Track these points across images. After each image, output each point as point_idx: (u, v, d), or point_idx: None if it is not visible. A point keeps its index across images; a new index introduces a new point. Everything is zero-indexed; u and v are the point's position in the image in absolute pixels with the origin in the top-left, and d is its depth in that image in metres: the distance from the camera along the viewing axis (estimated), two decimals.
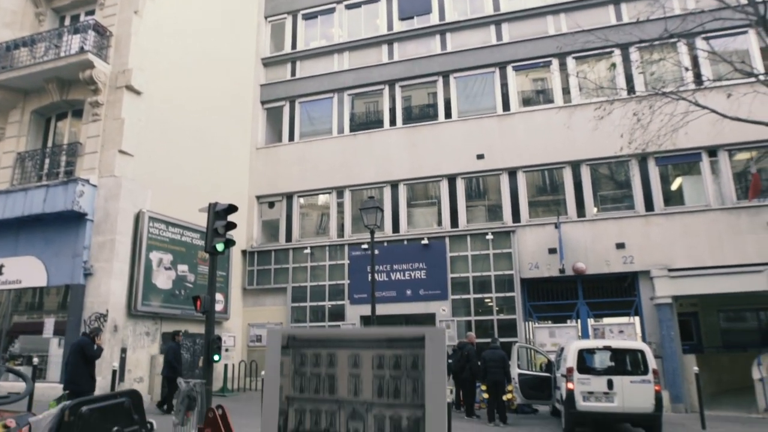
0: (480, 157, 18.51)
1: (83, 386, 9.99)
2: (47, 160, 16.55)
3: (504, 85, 19.15)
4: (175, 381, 12.55)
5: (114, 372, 13.02)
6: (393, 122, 20.25)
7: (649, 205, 16.64)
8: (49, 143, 17.26)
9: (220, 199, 11.37)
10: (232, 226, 10.84)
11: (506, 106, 18.96)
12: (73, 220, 14.81)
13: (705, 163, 16.50)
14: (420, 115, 20.40)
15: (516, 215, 17.87)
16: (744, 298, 17.37)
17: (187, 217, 16.30)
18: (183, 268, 16.71)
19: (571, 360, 11.31)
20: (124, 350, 14.56)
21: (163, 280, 15.88)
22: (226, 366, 17.52)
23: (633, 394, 10.80)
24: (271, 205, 21.27)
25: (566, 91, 18.40)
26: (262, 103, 22.25)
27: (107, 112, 15.69)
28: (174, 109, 17.17)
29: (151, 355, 15.58)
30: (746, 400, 15.16)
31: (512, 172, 18.25)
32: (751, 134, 14.70)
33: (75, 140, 16.30)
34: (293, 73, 22.27)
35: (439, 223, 18.82)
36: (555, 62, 18.62)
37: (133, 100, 15.85)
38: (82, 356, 10.31)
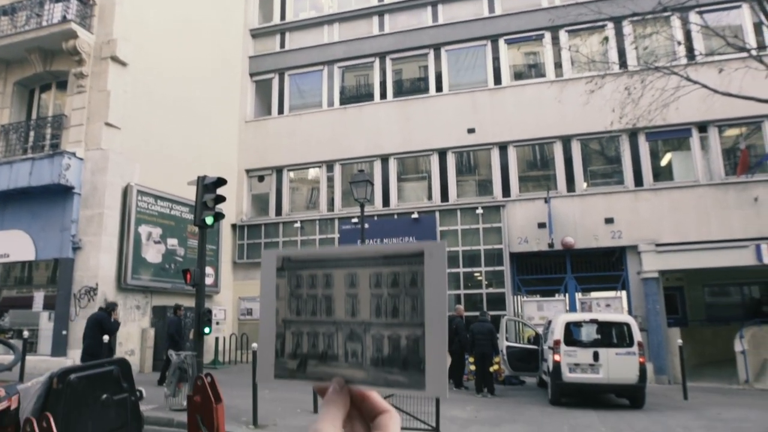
0: (471, 131, 18.45)
1: (101, 358, 10.24)
2: (32, 133, 16.30)
3: (496, 59, 18.99)
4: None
5: (103, 345, 13.02)
6: (384, 95, 20.08)
7: (638, 181, 16.73)
8: (34, 115, 16.97)
9: (209, 172, 11.27)
10: (221, 199, 10.78)
11: (498, 79, 18.83)
12: (60, 193, 14.66)
13: (695, 138, 16.56)
14: (411, 88, 20.22)
15: (506, 190, 17.90)
16: (729, 273, 17.63)
17: (176, 190, 16.18)
18: (173, 242, 16.66)
19: (558, 333, 11.51)
20: None
21: (152, 254, 15.84)
22: (217, 339, 17.62)
23: (618, 366, 11.04)
24: (261, 178, 21.15)
25: (558, 65, 18.29)
26: (251, 75, 21.94)
27: (92, 84, 15.42)
28: (161, 81, 16.89)
29: (142, 329, 15.63)
30: (728, 371, 15.52)
31: (503, 147, 18.22)
32: (741, 110, 14.72)
33: (60, 112, 16.04)
34: (282, 44, 21.93)
35: (430, 197, 18.82)
36: (547, 35, 18.46)
37: (118, 72, 15.57)
38: (100, 330, 11.06)
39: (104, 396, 3.64)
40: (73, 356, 13.41)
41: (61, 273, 14.49)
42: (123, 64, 15.64)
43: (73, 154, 14.71)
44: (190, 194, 12.67)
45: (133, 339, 15.26)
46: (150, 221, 15.81)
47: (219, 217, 10.90)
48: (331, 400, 0.65)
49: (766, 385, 14.21)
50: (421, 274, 0.67)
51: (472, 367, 13.49)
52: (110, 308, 11.53)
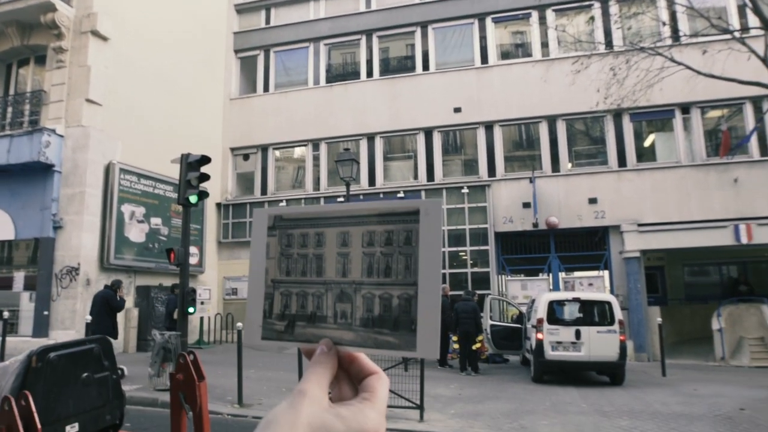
0: (457, 110, 18.41)
1: (112, 336, 10.77)
2: (10, 109, 15.95)
3: (483, 38, 18.88)
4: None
5: (87, 325, 12.97)
6: (370, 74, 19.91)
7: (621, 161, 16.86)
8: (11, 91, 16.60)
9: (193, 150, 11.14)
10: (205, 177, 10.68)
11: (484, 58, 18.75)
12: (39, 171, 14.43)
13: (678, 119, 16.69)
14: (397, 67, 20.07)
15: (491, 169, 17.95)
16: (708, 253, 17.94)
17: (159, 168, 16.00)
18: (156, 221, 16.53)
19: (541, 311, 11.68)
20: None
21: (135, 233, 15.71)
22: (201, 319, 17.62)
23: (599, 344, 11.26)
24: (246, 157, 20.98)
25: (545, 44, 18.25)
26: (236, 51, 21.61)
27: (72, 59, 15.09)
28: (143, 57, 16.58)
29: (126, 309, 15.52)
30: (705, 349, 15.88)
31: (489, 126, 18.23)
32: (723, 92, 14.84)
33: (39, 88, 15.71)
34: (267, 20, 21.59)
35: (416, 176, 18.82)
36: (535, 15, 18.36)
37: (99, 47, 15.24)
38: (108, 308, 11.31)
39: (85, 374, 3.62)
40: (56, 337, 13.33)
41: (42, 253, 14.33)
42: (104, 38, 15.30)
43: (53, 131, 14.45)
44: (173, 172, 12.55)
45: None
46: (133, 200, 15.65)
47: (203, 195, 10.80)
48: (318, 361, 0.64)
49: (741, 362, 14.58)
50: (416, 232, 0.65)
51: (456, 346, 13.65)
52: (116, 286, 11.70)
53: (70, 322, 13.82)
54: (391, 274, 0.66)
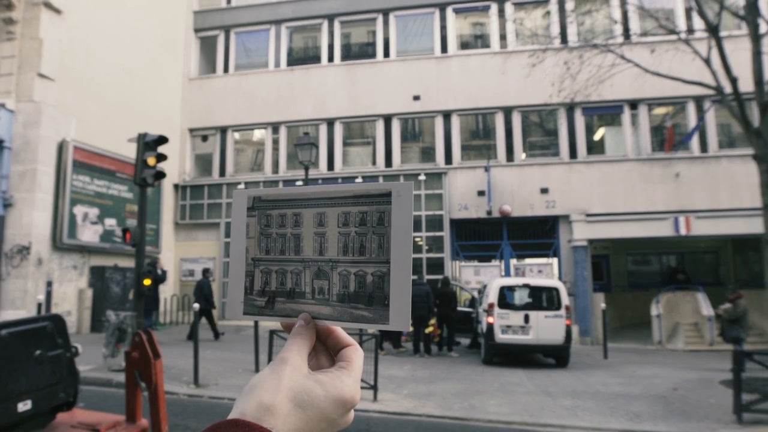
0: (416, 98, 18.66)
1: (150, 308, 12.71)
2: None
3: (443, 27, 19.14)
4: (210, 313, 14.33)
5: (39, 305, 12.74)
6: (331, 59, 19.91)
7: (573, 153, 17.51)
8: None
9: (150, 130, 10.98)
10: (162, 157, 10.52)
11: (444, 48, 19.03)
12: None
13: (626, 115, 17.42)
14: (359, 53, 20.13)
15: (448, 157, 18.32)
16: (650, 243, 18.89)
17: (115, 147, 15.69)
18: (111, 222, 16.16)
19: (492, 296, 12.14)
20: (50, 284, 14.21)
21: (89, 234, 15.35)
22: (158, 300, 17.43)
23: (546, 328, 11.81)
24: (205, 138, 20.72)
25: (503, 37, 18.65)
26: (196, 31, 21.20)
27: (23, 31, 14.56)
28: (99, 33, 16.13)
29: (79, 289, 15.30)
30: (644, 333, 16.81)
31: (447, 115, 18.56)
32: (669, 90, 15.56)
33: None
34: (228, 0, 21.24)
35: (374, 162, 19.03)
36: (494, 7, 18.72)
37: (52, 19, 14.75)
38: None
39: (38, 352, 3.60)
40: (6, 317, 13.04)
41: None
42: (57, 11, 14.81)
43: (2, 105, 13.96)
44: (130, 152, 12.36)
45: (69, 299, 14.93)
46: (86, 201, 15.24)
47: (160, 176, 10.66)
48: (297, 333, 0.67)
49: (676, 345, 15.54)
50: (389, 213, 0.69)
51: (410, 329, 14.02)
52: (153, 261, 12.43)
53: (21, 302, 13.52)
54: (365, 253, 0.70)
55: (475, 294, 14.89)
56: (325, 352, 0.69)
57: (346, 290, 0.70)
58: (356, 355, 0.67)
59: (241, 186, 19.38)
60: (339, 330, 0.70)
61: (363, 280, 0.69)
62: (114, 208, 16.38)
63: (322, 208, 0.73)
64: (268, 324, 10.90)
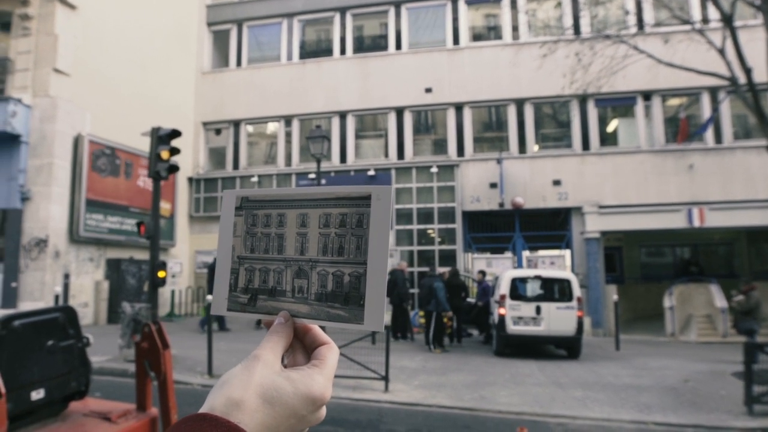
0: (428, 90, 18.64)
1: None
2: None
3: (455, 19, 19.06)
4: None
5: (56, 297, 13.01)
6: (343, 51, 19.93)
7: (585, 145, 17.40)
8: None
9: (164, 124, 11.12)
10: (176, 151, 10.68)
11: (456, 40, 18.96)
12: (6, 141, 14.20)
13: (639, 106, 17.26)
14: (371, 45, 20.13)
15: (460, 150, 18.31)
16: (663, 235, 18.76)
17: (130, 141, 15.91)
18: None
19: (504, 288, 12.16)
20: (67, 276, 14.48)
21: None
22: (173, 292, 17.71)
23: (558, 319, 11.82)
24: (218, 131, 20.89)
25: (515, 28, 18.53)
26: (209, 25, 21.32)
27: (39, 27, 14.77)
28: (114, 28, 16.31)
29: (96, 281, 15.56)
30: (657, 325, 16.74)
31: (459, 107, 18.53)
32: (683, 81, 15.40)
33: (4, 56, 15.33)
34: None
35: (386, 154, 19.06)
36: None
37: (67, 15, 14.94)
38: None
39: (50, 342, 3.65)
40: (24, 307, 13.33)
41: (9, 224, 14.19)
42: (72, 6, 15.00)
43: (19, 100, 14.20)
44: (144, 145, 12.54)
45: (86, 291, 15.21)
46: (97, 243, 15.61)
47: (174, 169, 10.80)
48: (275, 330, 0.69)
49: (689, 337, 15.45)
50: (368, 215, 0.70)
51: (422, 321, 14.11)
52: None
53: (39, 294, 13.80)
54: (343, 254, 0.71)
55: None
56: (302, 349, 0.71)
57: (324, 289, 0.71)
58: (330, 354, 0.68)
59: (255, 179, 19.57)
60: (316, 328, 0.71)
61: (340, 280, 0.70)
62: (124, 243, 16.52)
63: (305, 209, 0.75)
64: None
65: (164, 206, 16.51)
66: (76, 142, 14.95)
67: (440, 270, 14.18)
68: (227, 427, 0.55)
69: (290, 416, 0.61)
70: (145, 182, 16.61)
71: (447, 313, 13.61)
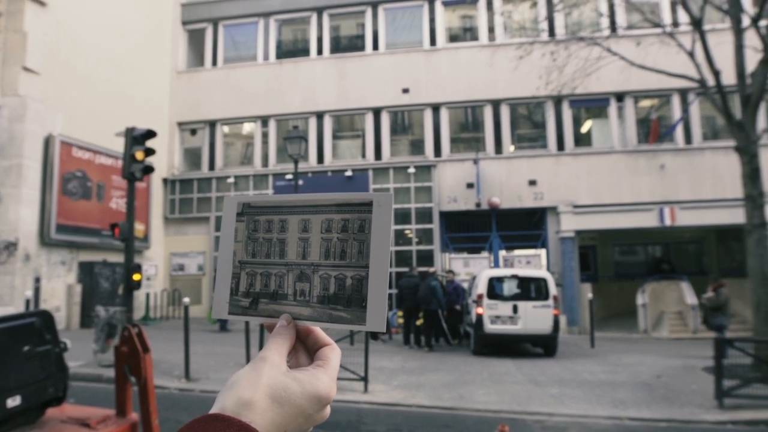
0: (405, 91, 18.70)
1: None
2: None
3: (432, 20, 19.16)
4: None
5: (27, 302, 12.70)
6: (320, 52, 19.88)
7: (560, 145, 17.66)
8: None
9: (138, 124, 10.94)
10: (151, 152, 10.52)
11: (433, 41, 19.06)
12: None
13: (613, 107, 17.59)
14: (348, 45, 20.11)
15: (438, 150, 18.41)
16: (636, 234, 19.13)
17: (103, 142, 15.62)
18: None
19: (481, 287, 12.26)
20: (38, 280, 14.16)
21: None
22: (147, 295, 17.45)
23: (534, 318, 11.97)
24: (194, 132, 20.64)
25: (491, 29, 18.70)
26: (183, 23, 21.05)
27: (8, 24, 14.42)
28: (86, 26, 16.00)
29: (68, 285, 15.25)
30: (630, 322, 17.06)
31: (436, 108, 18.63)
32: (654, 83, 15.72)
33: None
34: None
35: (363, 155, 19.07)
36: None
37: (37, 12, 14.61)
38: None
39: (26, 348, 3.57)
40: None
41: None
42: (42, 3, 14.68)
43: None
44: (118, 146, 12.31)
45: (58, 295, 14.89)
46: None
47: (148, 170, 10.64)
48: (278, 332, 0.70)
49: (661, 333, 15.80)
50: (369, 221, 0.72)
51: (400, 321, 14.14)
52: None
53: (9, 298, 13.47)
54: (345, 258, 0.73)
55: (465, 285, 15.00)
56: (305, 351, 0.72)
57: (326, 292, 0.73)
58: (333, 354, 0.70)
59: (231, 180, 19.39)
60: (318, 330, 0.73)
61: (342, 283, 0.72)
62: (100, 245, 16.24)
63: (307, 215, 0.76)
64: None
65: (138, 227, 16.20)
66: (47, 142, 14.63)
67: (431, 269, 14.17)
68: (239, 426, 0.56)
69: (298, 415, 0.62)
70: (117, 204, 16.39)
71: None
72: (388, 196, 0.72)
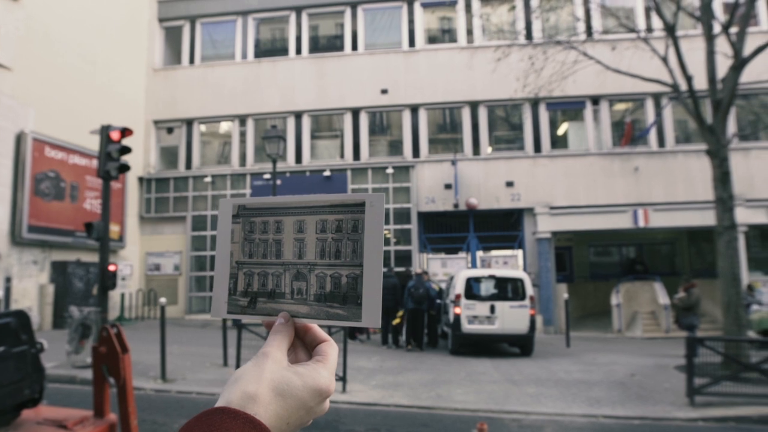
0: (384, 91, 18.73)
1: None
2: None
3: (411, 21, 19.23)
4: None
5: None
6: (299, 51, 19.80)
7: (537, 147, 17.87)
8: None
9: (114, 121, 10.82)
10: (126, 150, 10.37)
11: (412, 42, 19.13)
12: None
13: (588, 110, 17.87)
14: (327, 45, 20.07)
15: (416, 151, 18.49)
16: (610, 235, 19.47)
17: (77, 139, 15.33)
18: None
19: (459, 287, 12.35)
20: (9, 279, 13.83)
21: None
22: (123, 295, 17.17)
23: (511, 318, 12.10)
24: (170, 130, 20.37)
25: (470, 32, 18.85)
26: (160, 20, 20.76)
27: None
28: (60, 22, 15.68)
29: (40, 285, 14.93)
30: (605, 322, 17.35)
31: (414, 109, 18.70)
32: (629, 87, 16.04)
33: None
34: None
35: (342, 155, 19.05)
36: (461, 1, 18.90)
37: (7, 6, 14.28)
38: None
39: (1, 348, 3.55)
40: None
41: None
42: None
43: None
44: (92, 144, 12.13)
45: (30, 296, 14.56)
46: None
47: (124, 168, 10.49)
48: (277, 330, 0.73)
49: (635, 333, 16.10)
50: (362, 221, 0.74)
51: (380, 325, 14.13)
52: None
53: None
54: (340, 257, 0.75)
55: (442, 285, 15.09)
56: (303, 347, 0.75)
57: (323, 291, 0.75)
58: (331, 350, 0.72)
59: (208, 179, 19.20)
60: (315, 327, 0.75)
61: (338, 282, 0.75)
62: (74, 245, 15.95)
63: (301, 216, 0.78)
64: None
65: (113, 228, 15.95)
66: (19, 139, 14.31)
67: (418, 270, 14.15)
68: (245, 418, 0.59)
69: (300, 407, 0.65)
70: (92, 205, 16.12)
71: (399, 312, 13.63)
72: (380, 197, 0.74)
